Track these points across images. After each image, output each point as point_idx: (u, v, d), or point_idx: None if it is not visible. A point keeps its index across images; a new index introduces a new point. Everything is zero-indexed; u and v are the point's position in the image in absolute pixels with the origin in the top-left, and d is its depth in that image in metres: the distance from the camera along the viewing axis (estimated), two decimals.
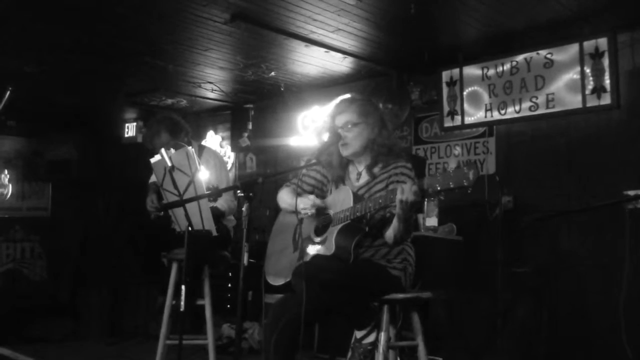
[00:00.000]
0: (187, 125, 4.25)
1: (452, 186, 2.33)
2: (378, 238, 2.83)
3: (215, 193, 3.12)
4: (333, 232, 2.78)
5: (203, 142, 6.60)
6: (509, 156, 5.00)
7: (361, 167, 2.99)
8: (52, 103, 6.84)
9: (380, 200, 2.64)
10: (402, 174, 2.83)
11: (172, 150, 3.30)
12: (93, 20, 4.49)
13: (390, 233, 2.72)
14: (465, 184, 2.29)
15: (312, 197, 2.94)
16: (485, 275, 4.79)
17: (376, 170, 2.92)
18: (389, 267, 2.84)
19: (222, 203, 4.03)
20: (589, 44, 4.46)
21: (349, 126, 2.90)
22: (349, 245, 2.75)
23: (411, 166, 2.90)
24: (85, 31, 4.70)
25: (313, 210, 2.90)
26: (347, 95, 3.06)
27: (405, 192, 2.48)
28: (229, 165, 7.06)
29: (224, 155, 7.13)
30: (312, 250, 2.88)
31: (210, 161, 4.17)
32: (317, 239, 2.90)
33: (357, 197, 2.81)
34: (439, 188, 2.37)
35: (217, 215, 3.92)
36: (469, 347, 4.69)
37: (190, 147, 3.27)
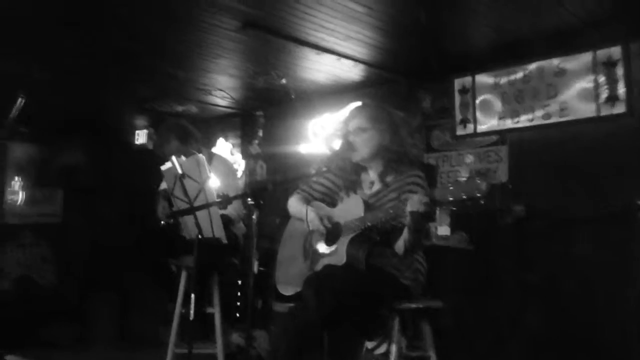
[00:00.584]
0: (197, 132, 4.26)
1: (464, 197, 2.32)
2: (389, 248, 2.82)
3: (225, 201, 3.11)
4: (344, 242, 2.77)
5: (213, 150, 6.61)
6: (521, 164, 4.97)
7: (374, 175, 2.98)
8: (64, 109, 6.87)
9: (391, 211, 2.63)
10: (414, 184, 2.81)
11: (183, 158, 3.30)
12: (104, 26, 4.52)
13: (401, 244, 2.71)
14: (478, 194, 2.29)
15: (321, 213, 2.92)
16: (496, 282, 4.76)
17: (389, 179, 2.91)
18: (400, 277, 2.83)
19: (230, 211, 4.02)
20: (602, 53, 4.44)
21: (359, 131, 2.89)
22: (361, 256, 2.74)
23: (424, 176, 2.88)
24: (95, 37, 4.72)
25: (321, 228, 2.89)
26: (359, 102, 3.06)
27: (415, 203, 2.47)
28: (239, 173, 7.07)
29: (235, 163, 7.13)
30: (323, 260, 2.87)
31: (220, 168, 4.17)
32: (328, 249, 2.89)
33: (368, 206, 2.80)
34: (450, 199, 2.36)
35: (227, 222, 3.92)
36: (478, 356, 4.66)
37: (200, 155, 3.27)
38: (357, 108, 2.97)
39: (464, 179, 2.34)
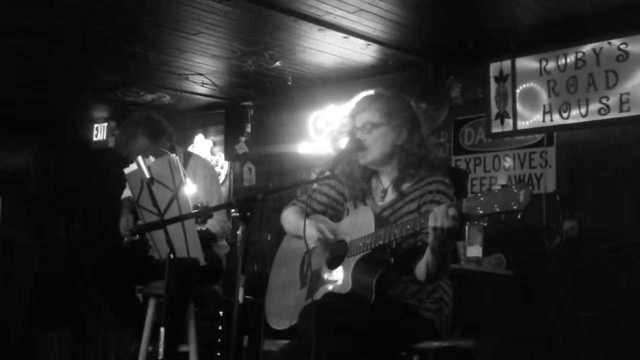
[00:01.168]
0: (171, 127, 4.28)
1: (497, 210, 2.31)
2: (406, 272, 2.83)
3: (204, 212, 3.12)
4: (350, 264, 2.78)
5: (190, 149, 6.64)
6: (573, 171, 4.98)
7: (387, 183, 2.99)
8: (3, 101, 6.90)
9: (408, 226, 2.63)
10: (438, 192, 2.82)
11: (152, 159, 3.32)
12: None
13: (422, 268, 2.71)
14: (515, 207, 2.28)
15: (322, 226, 2.93)
16: (543, 320, 4.75)
17: (405, 187, 2.91)
18: (420, 309, 2.83)
19: (213, 224, 4.04)
20: None
21: (369, 127, 2.90)
22: (370, 282, 2.74)
23: (450, 182, 2.89)
24: (45, 11, 4.75)
25: (322, 243, 2.90)
26: (372, 91, 3.06)
27: (438, 217, 2.47)
28: (221, 178, 7.08)
29: (216, 165, 7.15)
30: (324, 287, 2.88)
31: (199, 172, 4.18)
32: (330, 273, 2.90)
33: (380, 221, 2.80)
34: (481, 212, 2.36)
35: (207, 239, 3.94)
36: None
37: (173, 155, 3.29)
38: (367, 98, 2.97)
39: (499, 187, 2.35)
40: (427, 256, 2.66)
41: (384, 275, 2.78)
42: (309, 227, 2.91)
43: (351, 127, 2.98)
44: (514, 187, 2.30)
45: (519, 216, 2.28)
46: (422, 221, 2.56)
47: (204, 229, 3.83)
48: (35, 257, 7.25)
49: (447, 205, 2.50)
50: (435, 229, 2.49)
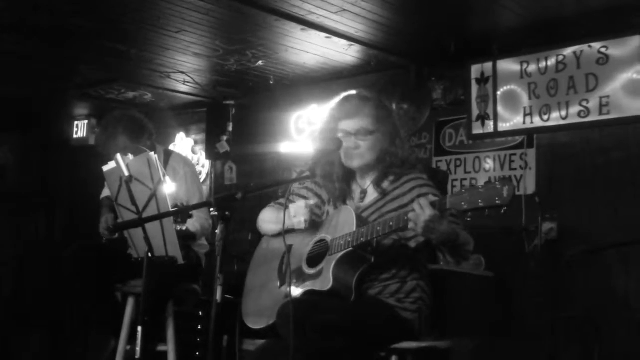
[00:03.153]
0: (151, 125, 4.26)
1: (481, 205, 2.34)
2: (387, 271, 2.83)
3: (183, 211, 3.10)
4: (330, 262, 2.77)
5: (171, 147, 6.61)
6: (552, 173, 5.00)
7: (366, 184, 2.99)
8: None
9: (391, 223, 2.64)
10: (420, 187, 2.85)
11: (130, 157, 3.29)
12: None
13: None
14: (498, 202, 2.31)
15: (308, 201, 2.94)
16: (522, 320, 4.76)
17: (386, 184, 2.92)
18: (399, 308, 2.83)
19: (192, 222, 4.01)
20: None
21: (363, 133, 2.90)
22: (351, 280, 2.74)
23: (427, 178, 2.93)
24: (25, 6, 4.71)
25: (307, 216, 2.89)
26: (353, 92, 3.05)
27: (423, 206, 2.49)
28: (202, 177, 7.05)
29: (197, 164, 7.12)
30: (304, 285, 2.87)
31: (179, 170, 4.16)
32: (310, 271, 2.89)
33: (361, 220, 2.80)
34: (465, 207, 2.39)
35: (187, 237, 3.91)
36: None
37: (153, 153, 3.27)
38: (354, 102, 2.94)
39: (482, 184, 2.37)
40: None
41: (364, 274, 2.78)
42: (295, 205, 2.91)
43: (332, 127, 2.97)
44: (497, 183, 2.34)
45: (503, 210, 2.31)
46: (405, 218, 2.57)
47: (184, 228, 3.81)
48: (14, 255, 7.18)
49: (426, 197, 2.53)
50: (418, 218, 2.50)
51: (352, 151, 2.91)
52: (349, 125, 2.92)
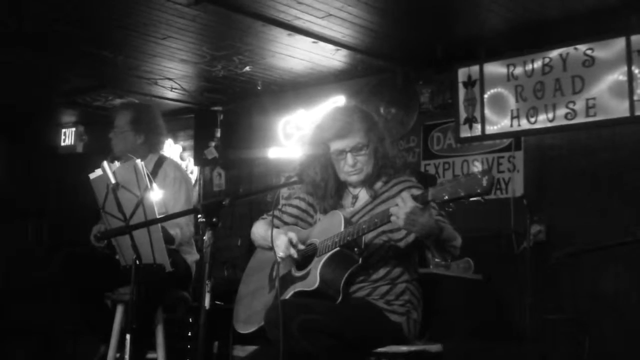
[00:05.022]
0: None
1: (462, 194, 2.37)
2: (375, 272, 2.83)
3: (169, 217, 3.09)
4: (318, 262, 2.77)
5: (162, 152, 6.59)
6: (540, 175, 5.01)
7: (357, 189, 2.99)
8: None
9: (376, 220, 2.64)
10: (415, 187, 2.86)
11: (117, 163, 3.28)
12: (22, 1, 4.49)
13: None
14: (479, 190, 2.34)
15: (291, 234, 2.91)
16: (511, 322, 4.76)
17: (378, 185, 2.93)
18: (387, 311, 2.82)
19: (172, 226, 3.98)
20: (637, 39, 4.50)
21: (358, 149, 2.90)
22: (338, 281, 2.73)
23: (416, 181, 2.94)
24: (11, 14, 4.68)
25: (292, 251, 2.88)
26: (337, 109, 3.06)
27: (400, 207, 2.50)
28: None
29: (186, 170, 7.11)
30: (293, 287, 2.86)
31: (170, 174, 4.14)
32: (299, 273, 2.89)
33: (349, 222, 2.81)
34: (446, 197, 2.41)
35: (166, 241, 3.89)
36: None
37: (138, 160, 3.25)
38: (343, 120, 2.93)
39: (463, 175, 2.41)
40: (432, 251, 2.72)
41: (352, 276, 2.77)
42: (280, 235, 2.90)
43: (320, 137, 2.96)
44: (478, 173, 2.36)
45: (482, 199, 2.34)
46: (390, 214, 2.57)
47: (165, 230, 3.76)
48: (2, 262, 7.14)
49: (408, 190, 2.57)
50: (399, 211, 2.50)
51: (350, 169, 2.90)
52: (342, 144, 2.91)
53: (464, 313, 4.75)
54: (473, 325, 4.81)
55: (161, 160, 4.26)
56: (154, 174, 4.09)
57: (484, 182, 2.33)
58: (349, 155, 2.90)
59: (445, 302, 4.54)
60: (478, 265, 4.84)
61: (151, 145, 4.22)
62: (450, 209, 2.48)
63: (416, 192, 2.69)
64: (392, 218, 2.56)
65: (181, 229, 4.00)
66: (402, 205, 2.51)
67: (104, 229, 3.95)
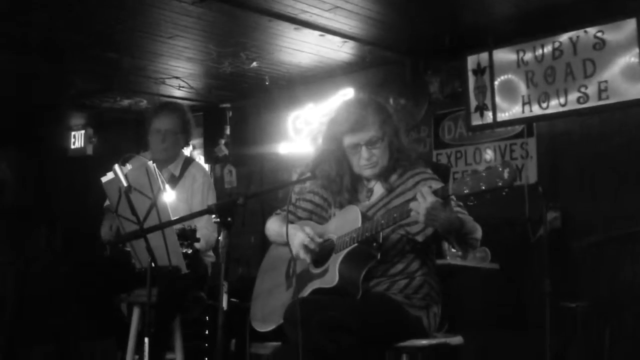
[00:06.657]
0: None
1: (483, 188, 2.35)
2: (394, 266, 2.81)
3: (184, 219, 3.08)
4: (336, 259, 2.76)
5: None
6: (554, 161, 4.98)
7: (372, 183, 2.98)
8: None
9: (395, 215, 2.63)
10: (431, 179, 2.85)
11: (128, 166, 3.27)
12: (26, 9, 4.49)
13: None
14: (500, 184, 2.32)
15: (308, 229, 2.90)
16: (530, 311, 4.74)
17: (394, 178, 2.92)
18: (407, 305, 2.81)
19: (200, 243, 3.95)
20: None
21: (374, 142, 2.89)
22: (357, 277, 2.73)
23: (431, 172, 2.93)
24: (18, 23, 4.69)
25: (307, 256, 2.87)
26: (350, 101, 3.06)
27: (420, 202, 2.49)
28: None
29: None
30: (311, 284, 2.85)
31: (198, 179, 4.15)
32: (317, 270, 2.88)
33: (366, 217, 2.80)
34: (466, 192, 2.39)
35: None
36: None
37: (151, 162, 3.25)
38: (357, 113, 2.91)
39: (484, 169, 2.38)
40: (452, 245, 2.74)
41: (370, 271, 2.77)
42: (297, 231, 2.89)
43: (334, 131, 2.94)
44: (498, 166, 2.34)
45: (504, 192, 2.33)
46: (408, 208, 2.55)
47: (190, 252, 3.73)
48: (15, 271, 7.16)
49: (428, 186, 2.54)
50: (419, 206, 2.49)
51: (365, 162, 2.89)
52: (356, 138, 2.89)
53: (482, 303, 4.74)
54: (491, 315, 4.79)
55: (188, 162, 4.27)
56: (181, 175, 4.11)
57: (505, 175, 2.31)
58: (363, 148, 2.88)
59: (462, 293, 4.54)
60: (494, 255, 4.82)
61: (187, 147, 4.25)
62: (472, 203, 2.46)
63: (434, 184, 2.67)
64: (412, 213, 2.54)
65: (207, 241, 3.97)
66: (422, 201, 2.49)
67: (113, 228, 3.95)
